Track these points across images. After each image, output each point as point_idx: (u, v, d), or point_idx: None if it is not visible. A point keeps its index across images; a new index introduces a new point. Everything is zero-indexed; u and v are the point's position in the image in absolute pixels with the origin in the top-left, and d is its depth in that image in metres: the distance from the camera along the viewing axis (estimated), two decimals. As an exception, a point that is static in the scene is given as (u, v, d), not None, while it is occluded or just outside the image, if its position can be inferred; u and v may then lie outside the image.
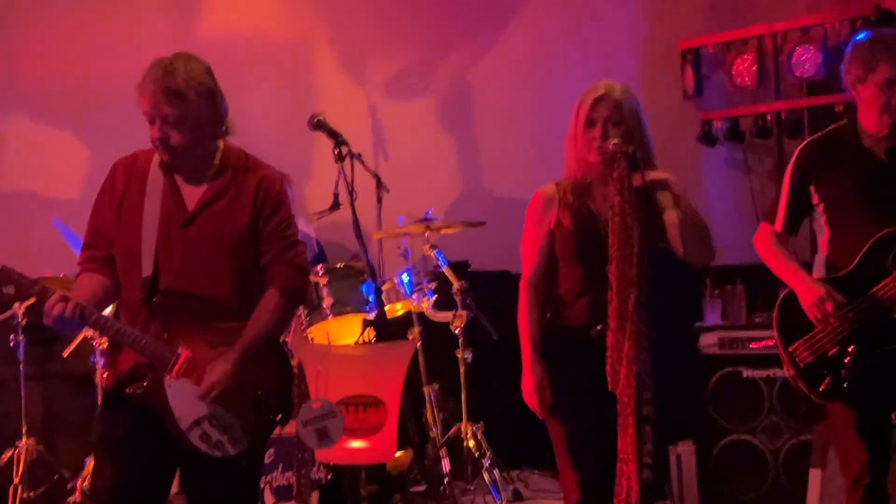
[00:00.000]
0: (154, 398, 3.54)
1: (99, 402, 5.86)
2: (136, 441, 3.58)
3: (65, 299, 3.44)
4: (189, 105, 3.52)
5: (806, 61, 6.56)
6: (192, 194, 3.65)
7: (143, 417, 3.56)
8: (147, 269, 3.57)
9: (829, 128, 4.25)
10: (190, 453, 3.57)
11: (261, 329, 3.63)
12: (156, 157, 3.68)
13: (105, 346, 5.82)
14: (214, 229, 3.62)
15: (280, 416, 3.69)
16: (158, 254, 3.58)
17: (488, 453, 6.26)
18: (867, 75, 4.00)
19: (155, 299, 3.57)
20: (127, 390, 3.55)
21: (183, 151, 3.58)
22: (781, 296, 4.17)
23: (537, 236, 3.94)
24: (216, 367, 3.54)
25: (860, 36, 4.15)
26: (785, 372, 4.14)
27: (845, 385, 3.95)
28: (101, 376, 5.89)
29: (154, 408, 3.54)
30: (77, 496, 5.81)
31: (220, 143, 3.72)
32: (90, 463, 5.53)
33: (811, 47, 6.53)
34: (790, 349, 4.07)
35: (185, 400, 3.54)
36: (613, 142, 3.70)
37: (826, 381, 3.98)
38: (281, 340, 3.90)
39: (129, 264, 3.61)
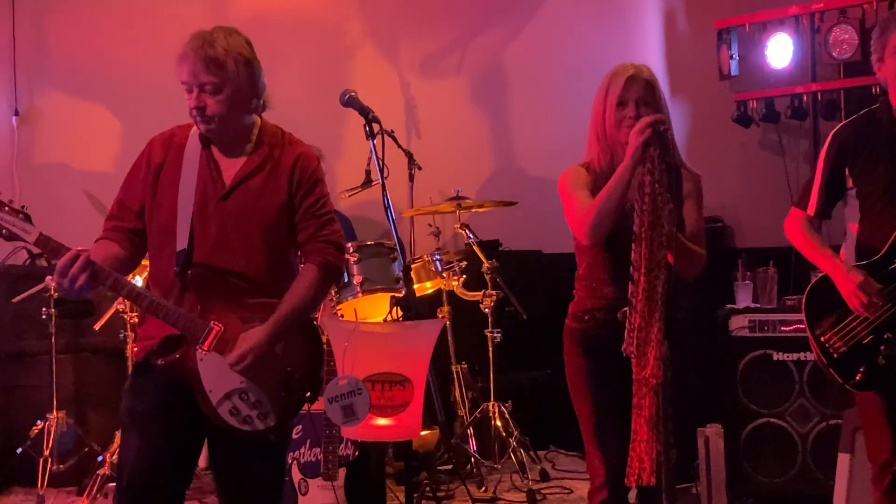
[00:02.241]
0: (185, 371, 3.54)
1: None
2: (163, 415, 3.59)
3: (79, 258, 3.42)
4: (228, 74, 3.53)
5: (843, 42, 6.48)
6: (230, 169, 3.66)
7: (172, 390, 3.57)
8: (182, 243, 3.56)
9: (864, 110, 4.20)
10: (218, 427, 3.58)
11: (297, 303, 3.63)
12: (193, 132, 3.68)
13: (135, 320, 5.86)
14: (251, 205, 3.62)
15: (309, 393, 3.69)
16: (194, 227, 3.58)
17: (516, 433, 6.27)
18: (884, 47, 3.97)
19: (189, 273, 3.57)
20: (158, 362, 3.55)
21: (220, 122, 3.58)
22: (810, 285, 4.13)
23: (583, 193, 3.81)
24: (251, 335, 3.54)
25: (886, 16, 4.11)
26: (817, 361, 4.09)
27: (883, 373, 3.91)
28: (132, 349, 5.92)
29: (184, 381, 3.55)
30: (106, 469, 5.86)
31: (258, 119, 3.72)
32: (119, 436, 5.56)
33: (849, 28, 6.45)
34: (822, 339, 4.03)
35: (216, 373, 3.54)
36: (648, 119, 3.66)
37: (861, 371, 3.95)
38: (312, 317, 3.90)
39: (164, 238, 3.62)
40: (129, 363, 6.01)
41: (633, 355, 3.58)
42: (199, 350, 3.54)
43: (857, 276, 3.93)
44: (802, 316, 4.11)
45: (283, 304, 3.61)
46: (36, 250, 4.14)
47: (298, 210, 3.68)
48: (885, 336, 3.91)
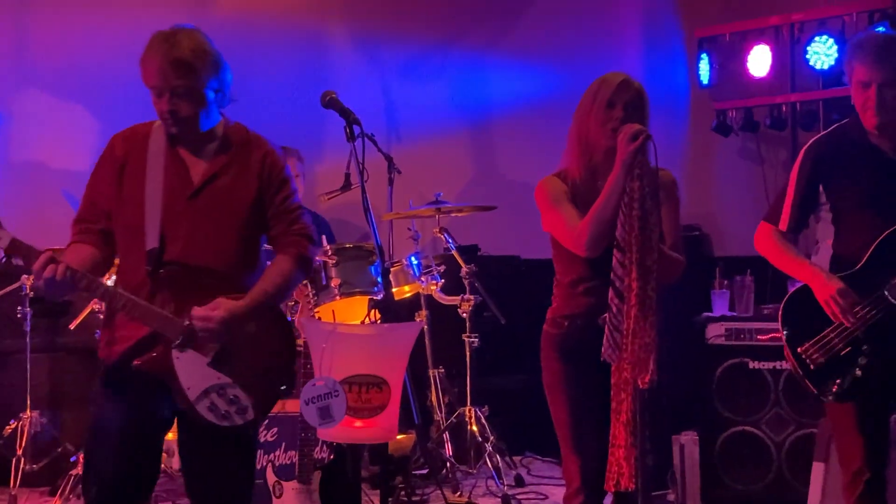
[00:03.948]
0: (162, 370, 3.56)
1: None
2: (137, 425, 3.61)
3: (54, 261, 3.43)
4: (198, 75, 3.55)
5: (822, 53, 6.51)
6: (197, 167, 3.68)
7: (147, 393, 3.59)
8: (153, 242, 3.58)
9: (834, 126, 4.25)
10: (193, 424, 3.61)
11: (270, 287, 3.67)
12: (156, 128, 3.70)
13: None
14: (221, 203, 3.65)
15: (284, 387, 3.74)
16: (164, 226, 3.59)
17: (492, 438, 6.26)
18: (850, 76, 4.03)
19: (161, 272, 3.57)
20: (134, 362, 3.56)
21: (192, 123, 3.60)
22: (787, 296, 4.15)
23: (568, 206, 3.83)
24: (221, 303, 3.56)
25: (854, 37, 4.18)
26: (793, 373, 4.11)
27: (860, 385, 3.94)
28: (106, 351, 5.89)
29: (161, 380, 3.57)
30: (79, 469, 5.81)
31: (223, 116, 3.75)
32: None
33: (828, 39, 6.48)
34: (799, 350, 4.04)
35: (193, 371, 3.56)
36: (636, 126, 3.66)
37: (838, 383, 3.97)
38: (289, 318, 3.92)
39: (132, 238, 3.63)
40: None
41: (612, 360, 3.60)
42: (176, 349, 3.55)
43: (836, 283, 3.95)
44: (779, 327, 4.13)
45: (257, 286, 3.65)
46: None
47: (270, 207, 3.73)
48: (863, 348, 3.94)
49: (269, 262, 3.80)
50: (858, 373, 3.95)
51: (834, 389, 3.98)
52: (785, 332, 4.10)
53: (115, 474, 3.59)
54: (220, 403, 3.58)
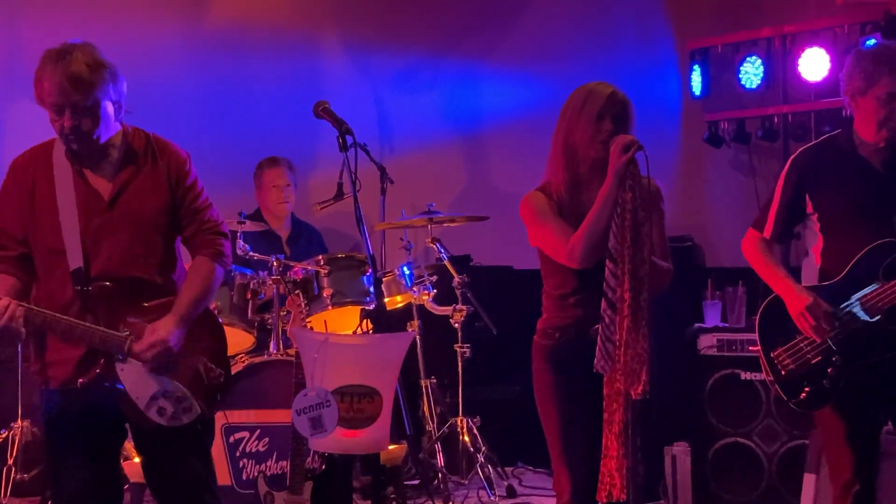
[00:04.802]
0: (108, 385, 3.63)
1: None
2: (92, 443, 3.71)
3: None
4: (96, 89, 3.58)
5: (814, 65, 6.53)
6: (104, 180, 3.73)
7: (95, 411, 3.67)
8: (76, 262, 3.63)
9: (823, 137, 4.28)
10: (144, 430, 3.71)
11: (197, 293, 3.77)
12: (56, 150, 3.73)
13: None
14: (135, 212, 3.71)
15: (223, 376, 3.84)
16: (84, 244, 3.64)
17: (484, 449, 6.25)
18: (868, 88, 4.00)
19: (90, 288, 3.63)
20: (79, 382, 3.63)
21: (93, 138, 3.64)
22: (765, 301, 4.18)
23: (556, 220, 3.82)
24: (158, 326, 3.64)
25: (863, 47, 4.17)
26: (765, 377, 4.15)
27: (826, 395, 3.96)
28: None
29: (108, 395, 3.64)
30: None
31: (122, 125, 3.78)
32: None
33: (820, 51, 6.50)
34: (772, 355, 4.08)
35: (138, 380, 3.65)
36: (628, 137, 3.66)
37: (806, 391, 3.99)
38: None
39: (53, 260, 3.68)
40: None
41: (605, 371, 3.60)
42: (119, 361, 3.62)
43: (806, 298, 3.97)
44: (756, 333, 4.17)
45: (182, 295, 3.75)
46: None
47: (181, 208, 3.81)
48: (833, 359, 3.96)
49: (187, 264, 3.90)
50: (826, 384, 3.97)
51: (802, 397, 4.02)
52: (760, 338, 4.14)
53: (82, 494, 3.69)
54: (167, 406, 3.67)
